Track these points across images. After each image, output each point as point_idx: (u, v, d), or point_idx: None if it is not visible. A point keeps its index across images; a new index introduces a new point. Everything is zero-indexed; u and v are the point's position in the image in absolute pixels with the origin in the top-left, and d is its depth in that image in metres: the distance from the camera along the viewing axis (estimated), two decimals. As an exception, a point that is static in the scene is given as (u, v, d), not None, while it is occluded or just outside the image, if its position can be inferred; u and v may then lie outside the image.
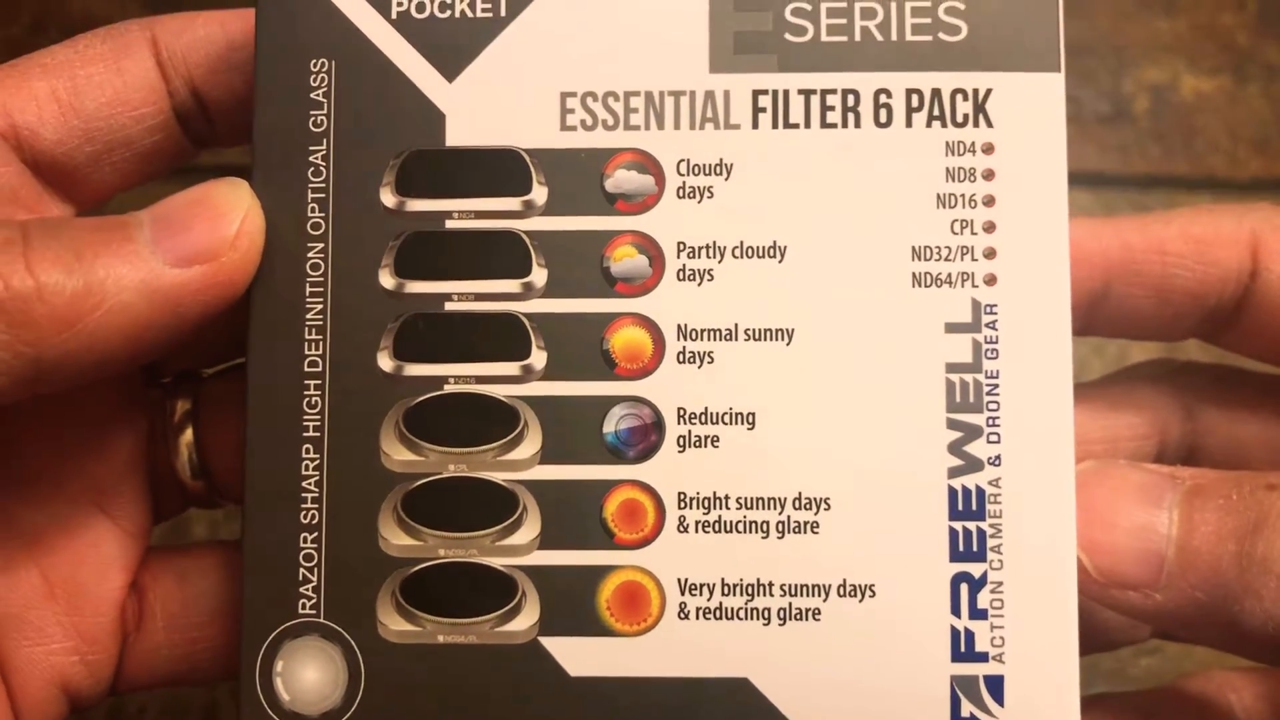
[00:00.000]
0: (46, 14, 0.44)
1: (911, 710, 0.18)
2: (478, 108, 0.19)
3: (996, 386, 0.18)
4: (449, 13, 0.19)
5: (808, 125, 0.18)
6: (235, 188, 0.18)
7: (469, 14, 0.19)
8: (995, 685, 0.18)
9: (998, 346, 0.18)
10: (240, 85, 0.20)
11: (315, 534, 0.18)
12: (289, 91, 0.19)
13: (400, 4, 0.19)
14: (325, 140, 0.19)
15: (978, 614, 0.18)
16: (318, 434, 0.18)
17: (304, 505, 0.18)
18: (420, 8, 0.19)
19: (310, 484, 0.18)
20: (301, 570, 0.18)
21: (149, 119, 0.20)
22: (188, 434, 0.21)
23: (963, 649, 0.18)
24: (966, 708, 0.18)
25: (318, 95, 0.19)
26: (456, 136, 0.19)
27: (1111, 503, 0.18)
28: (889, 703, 0.18)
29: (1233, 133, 0.46)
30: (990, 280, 0.18)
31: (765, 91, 0.19)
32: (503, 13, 0.19)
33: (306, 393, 0.18)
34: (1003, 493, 0.18)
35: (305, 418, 0.18)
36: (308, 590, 0.18)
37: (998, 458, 0.18)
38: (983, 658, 0.18)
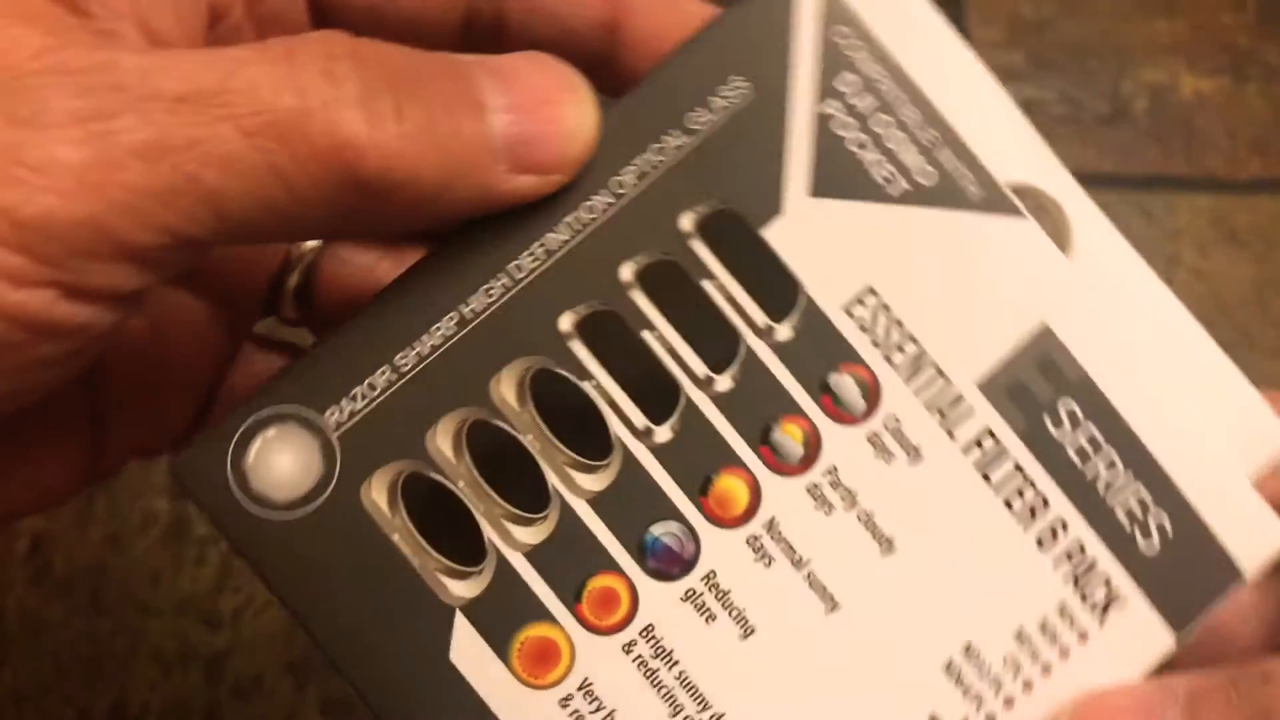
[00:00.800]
0: None
1: None
2: (808, 231, 0.19)
3: None
4: (857, 151, 0.19)
5: (996, 490, 0.20)
6: (588, 103, 0.18)
7: (870, 166, 0.19)
8: None
9: None
10: None
11: (395, 378, 0.19)
12: (701, 79, 0.19)
13: (834, 109, 0.19)
14: (690, 138, 0.19)
15: None
16: (469, 319, 0.19)
17: (407, 350, 0.19)
18: (845, 126, 0.19)
19: (427, 343, 0.19)
20: (357, 389, 0.19)
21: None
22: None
23: None
24: None
25: (719, 101, 0.19)
26: (772, 233, 0.19)
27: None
28: None
29: (1232, 133, 0.47)
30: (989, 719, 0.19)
31: (995, 438, 0.20)
32: (897, 193, 0.19)
33: (493, 283, 0.19)
34: None
35: (473, 297, 0.19)
36: (344, 407, 0.19)
37: None
38: None
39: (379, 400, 0.19)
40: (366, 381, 0.19)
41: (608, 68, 0.21)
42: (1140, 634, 0.20)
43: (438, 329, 0.19)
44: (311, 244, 0.23)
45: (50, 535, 0.36)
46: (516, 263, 0.19)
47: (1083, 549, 0.19)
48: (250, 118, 0.15)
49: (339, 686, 0.38)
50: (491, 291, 0.19)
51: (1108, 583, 0.19)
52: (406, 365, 0.19)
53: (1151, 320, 0.20)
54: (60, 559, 0.36)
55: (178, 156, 0.15)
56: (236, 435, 0.18)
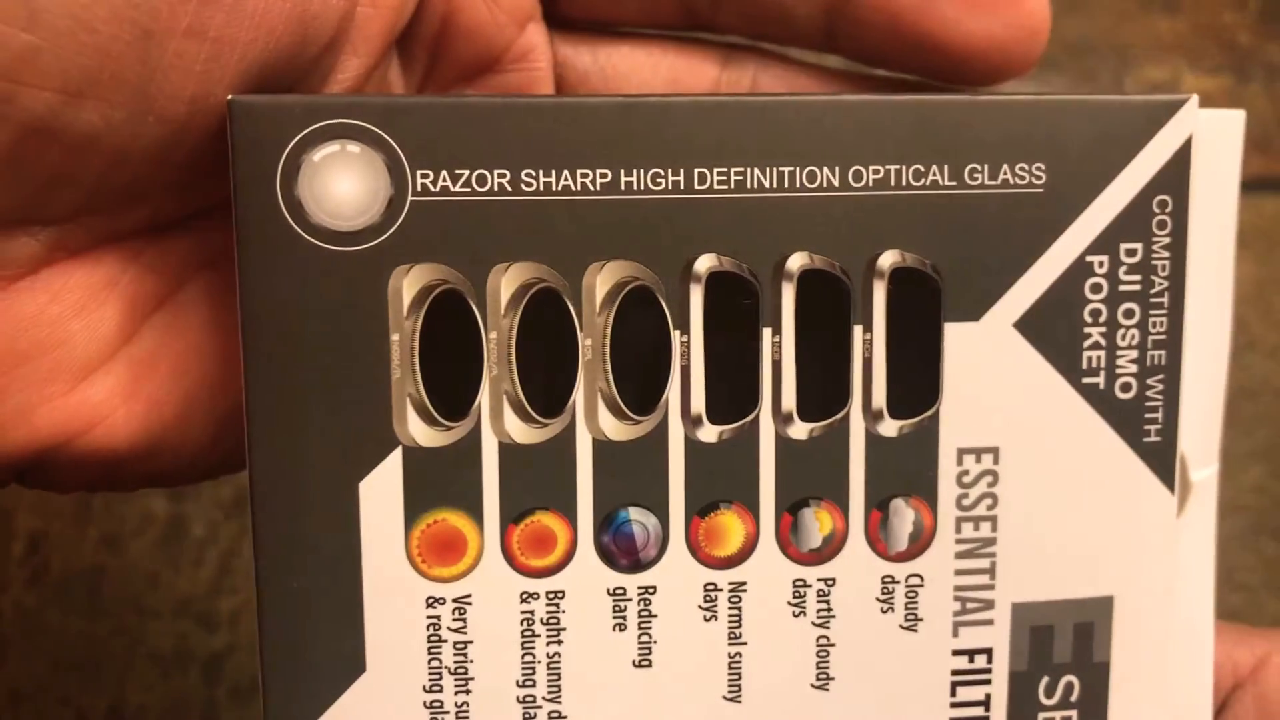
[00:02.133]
0: None
1: None
2: (982, 353, 0.18)
3: None
4: (1094, 329, 0.19)
5: (953, 709, 0.19)
6: None
7: (1086, 354, 0.19)
8: None
9: None
10: None
11: (511, 187, 0.17)
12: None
13: (1094, 293, 0.19)
14: (964, 186, 0.18)
15: None
16: (636, 188, 0.17)
17: (548, 171, 0.17)
18: (1095, 318, 0.19)
19: (579, 180, 0.17)
20: (464, 171, 0.17)
21: None
22: None
23: None
24: None
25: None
26: (953, 332, 0.18)
27: None
28: None
29: None
30: None
31: (989, 665, 0.19)
32: (1088, 385, 0.19)
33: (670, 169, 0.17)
34: None
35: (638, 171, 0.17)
36: (439, 177, 0.17)
37: None
38: None
39: (480, 197, 0.17)
40: (479, 169, 0.17)
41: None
42: None
43: (595, 170, 0.17)
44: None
45: (48, 536, 0.35)
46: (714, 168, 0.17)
47: None
48: None
49: None
50: (660, 181, 0.17)
51: None
52: (532, 185, 0.17)
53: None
54: (58, 560, 0.35)
55: None
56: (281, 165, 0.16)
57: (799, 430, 0.18)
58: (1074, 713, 0.19)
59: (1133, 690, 0.19)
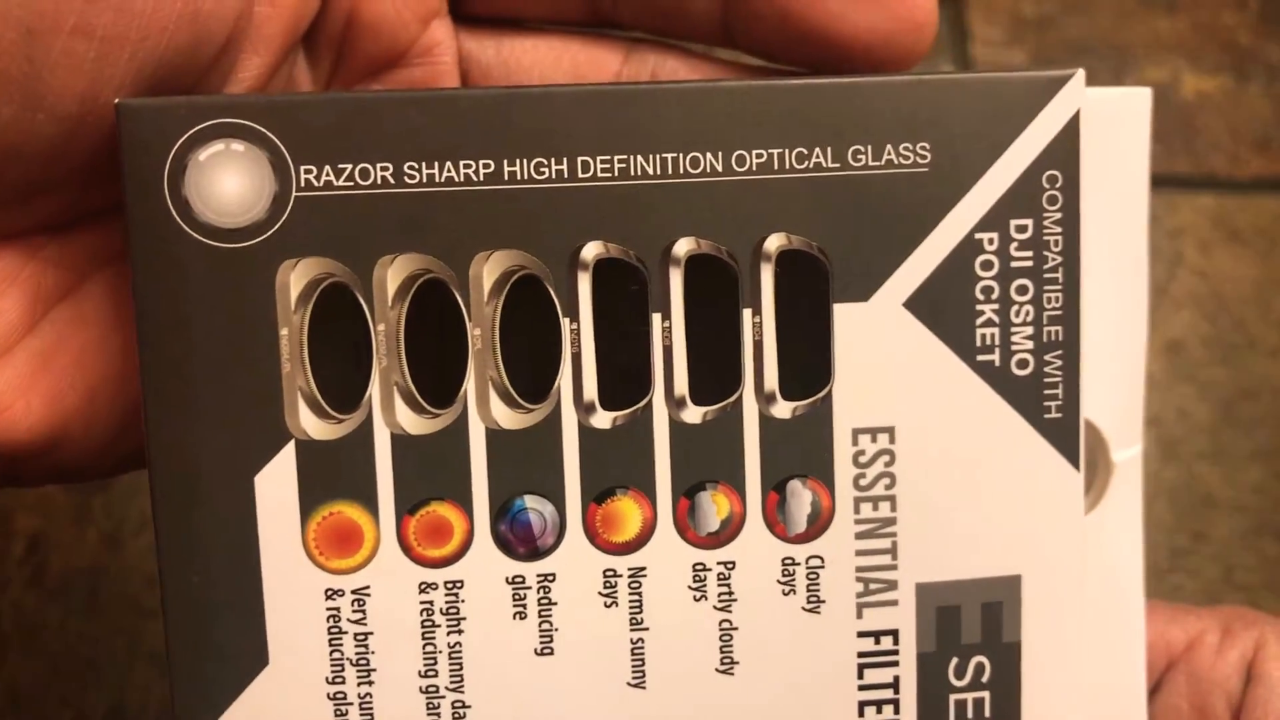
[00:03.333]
0: None
1: None
2: (872, 333, 0.18)
3: None
4: (987, 305, 0.18)
5: (858, 690, 0.19)
6: None
7: (980, 331, 0.18)
8: None
9: None
10: None
11: (390, 181, 0.17)
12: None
13: (984, 269, 0.18)
14: (849, 168, 0.18)
15: None
16: (518, 176, 0.17)
17: (420, 165, 0.17)
18: (987, 295, 0.19)
19: (456, 171, 0.17)
20: (347, 164, 0.17)
21: None
22: None
23: None
24: None
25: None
26: (842, 313, 0.18)
27: None
28: None
29: (1234, 132, 0.47)
30: None
31: (895, 647, 0.19)
32: (982, 362, 0.19)
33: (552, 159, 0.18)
34: None
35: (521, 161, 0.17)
36: (323, 172, 0.17)
37: None
38: None
39: (363, 191, 0.17)
40: (362, 163, 0.17)
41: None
42: None
43: (478, 161, 0.17)
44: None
45: (47, 536, 0.36)
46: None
47: None
48: None
49: None
50: (543, 170, 0.17)
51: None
52: (415, 178, 0.17)
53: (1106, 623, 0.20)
54: (57, 560, 0.36)
55: None
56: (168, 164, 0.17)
57: (693, 414, 0.18)
58: (986, 694, 0.19)
59: (1046, 670, 0.19)
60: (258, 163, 0.17)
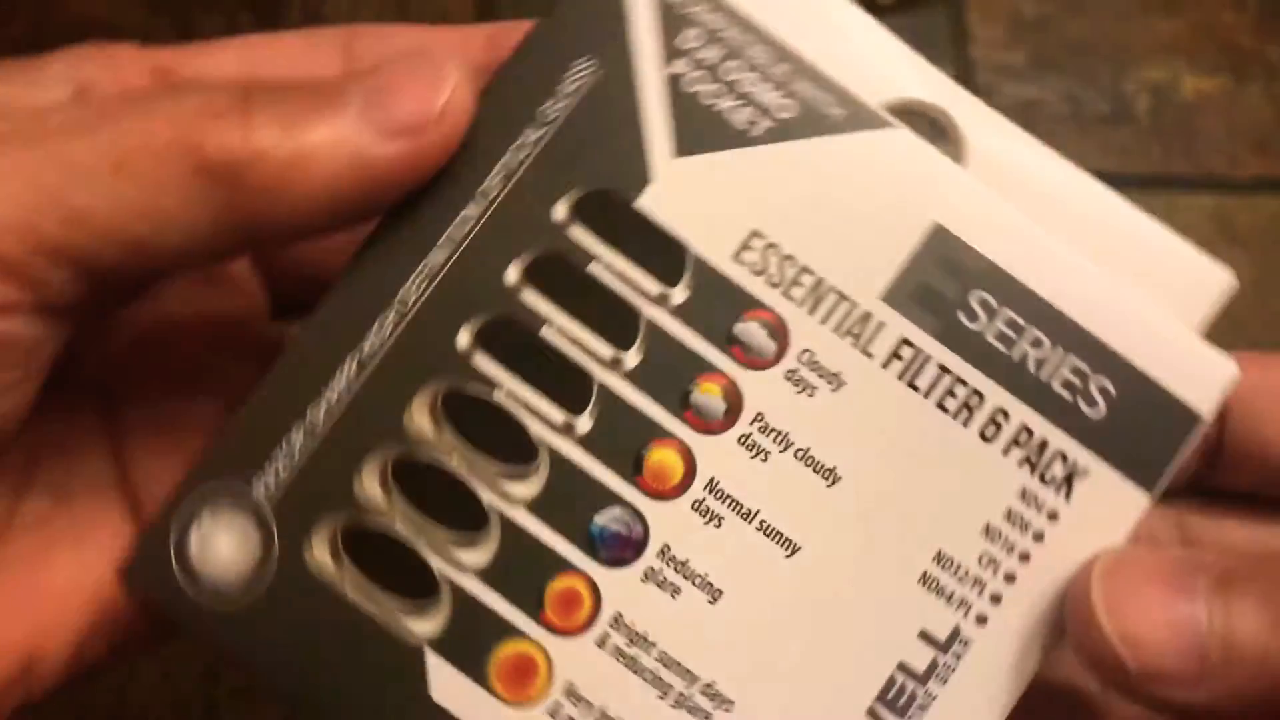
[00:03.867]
0: (45, 15, 0.45)
1: None
2: (682, 192, 0.19)
3: (929, 704, 0.19)
4: (714, 100, 0.19)
5: (926, 395, 0.19)
6: (444, 64, 0.18)
7: (728, 113, 0.19)
8: None
9: (952, 675, 0.19)
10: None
11: (307, 434, 0.19)
12: (547, 71, 0.19)
13: (683, 68, 0.19)
14: (547, 128, 0.19)
15: None
16: (368, 359, 0.19)
17: (317, 404, 0.19)
18: (696, 78, 0.19)
19: (334, 392, 0.19)
20: (275, 453, 0.19)
21: None
22: None
23: None
24: None
25: (568, 87, 0.19)
26: (649, 204, 0.19)
27: (1141, 593, 0.17)
28: None
29: (1233, 132, 0.47)
30: (981, 620, 0.19)
31: (912, 345, 0.19)
32: (761, 133, 0.19)
33: (383, 318, 0.19)
34: None
35: (368, 339, 0.19)
36: (268, 473, 0.19)
37: None
38: None
39: (300, 461, 0.19)
40: (283, 445, 0.19)
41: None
42: (1110, 499, 0.19)
43: (340, 376, 0.19)
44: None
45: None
46: (402, 293, 0.19)
47: (1029, 431, 0.19)
48: (105, 144, 0.17)
49: None
50: (384, 327, 0.19)
51: (1063, 457, 0.19)
52: (319, 421, 0.19)
53: (1059, 198, 0.20)
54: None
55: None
56: (172, 530, 0.19)
57: (632, 359, 0.19)
58: (1007, 309, 0.19)
59: (1032, 259, 0.20)
60: (232, 514, 0.19)
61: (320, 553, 0.19)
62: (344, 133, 0.17)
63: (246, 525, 0.19)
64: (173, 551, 0.19)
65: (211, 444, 0.19)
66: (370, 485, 0.19)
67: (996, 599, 0.19)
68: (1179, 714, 0.18)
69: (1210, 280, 0.20)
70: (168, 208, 0.17)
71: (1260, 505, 0.21)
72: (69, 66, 0.19)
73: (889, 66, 0.20)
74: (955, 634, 0.19)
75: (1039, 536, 0.19)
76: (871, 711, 0.19)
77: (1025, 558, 0.19)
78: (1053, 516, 0.19)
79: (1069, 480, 0.19)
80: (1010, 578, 0.19)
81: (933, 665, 0.19)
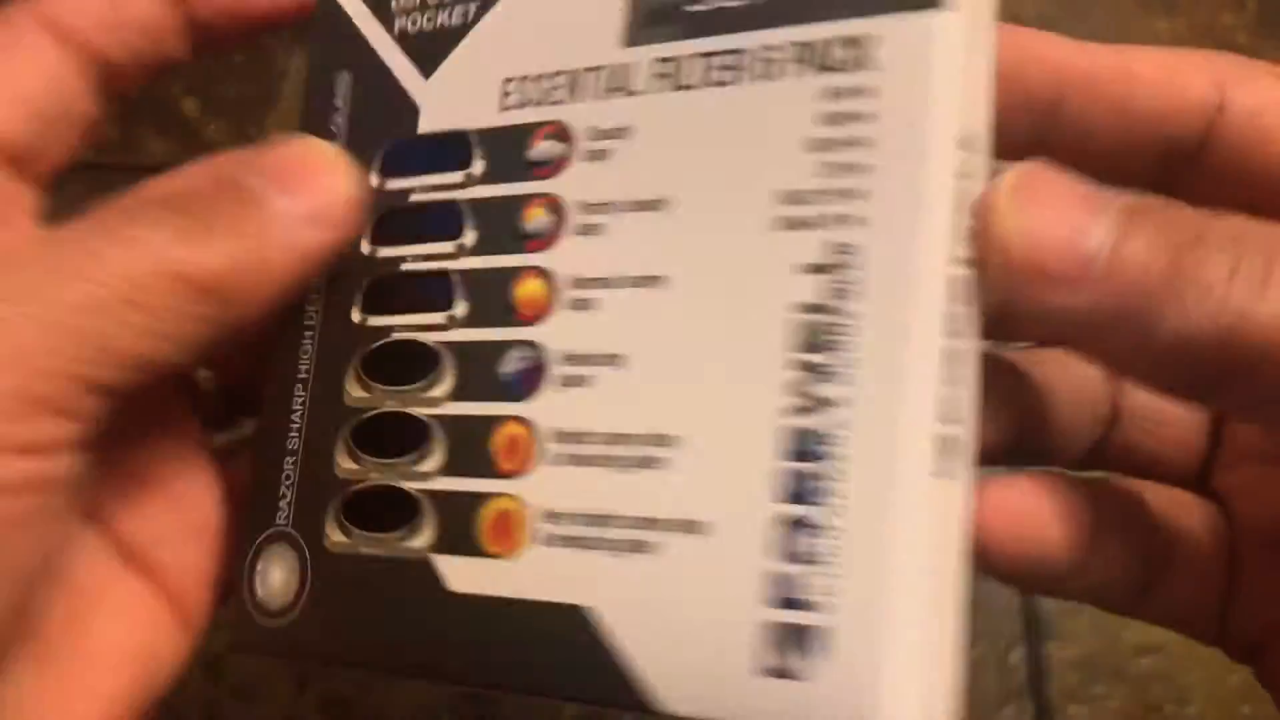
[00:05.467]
0: None
1: (727, 653, 0.17)
2: (442, 100, 0.22)
3: (853, 327, 0.17)
4: (432, 23, 0.22)
5: (700, 88, 0.19)
6: (333, 149, 0.21)
7: (445, 22, 0.22)
8: (815, 637, 0.17)
9: (859, 288, 0.17)
10: (138, 41, 0.22)
11: (293, 458, 0.22)
12: (323, 101, 0.23)
13: (401, 20, 0.22)
14: (341, 136, 0.23)
15: (804, 559, 0.17)
16: (305, 376, 0.22)
17: (290, 434, 0.22)
18: (414, 21, 0.22)
19: (295, 417, 0.22)
20: (282, 488, 0.22)
21: (79, 94, 0.22)
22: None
23: (782, 595, 0.17)
24: (775, 656, 0.17)
25: (339, 100, 0.23)
26: (426, 125, 0.22)
27: (1050, 200, 0.18)
28: (707, 646, 0.18)
29: None
30: (861, 221, 0.18)
31: (668, 59, 0.20)
32: (470, 18, 0.22)
33: (304, 342, 0.22)
34: (852, 433, 0.17)
35: (300, 363, 0.22)
36: (284, 505, 0.22)
37: (848, 399, 0.17)
38: (804, 605, 0.17)
39: (295, 478, 0.22)
40: (282, 475, 0.22)
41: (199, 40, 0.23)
42: (914, 42, 0.18)
43: (296, 401, 0.22)
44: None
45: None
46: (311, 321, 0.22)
47: (801, 45, 0.19)
48: (113, 280, 0.18)
49: (338, 687, 0.39)
50: (308, 352, 0.22)
51: (843, 41, 0.18)
52: (294, 442, 0.22)
53: None
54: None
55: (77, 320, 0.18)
56: (244, 592, 0.22)
57: (470, 237, 0.21)
58: None
59: None
60: (286, 557, 0.22)
61: (335, 535, 0.21)
62: (281, 227, 0.20)
63: (284, 550, 0.21)
64: (251, 609, 0.22)
65: (246, 508, 0.22)
66: (344, 460, 0.21)
67: (859, 194, 0.18)
68: (1033, 326, 0.19)
69: None
70: (169, 327, 0.19)
71: None
72: None
73: None
74: (837, 247, 0.18)
75: (870, 117, 0.18)
76: (791, 362, 0.18)
77: (866, 143, 0.18)
78: (872, 93, 0.18)
79: (865, 54, 0.18)
80: (863, 168, 0.18)
81: (832, 288, 0.18)
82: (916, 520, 0.17)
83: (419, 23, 0.22)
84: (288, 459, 0.22)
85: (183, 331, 0.19)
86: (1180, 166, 0.21)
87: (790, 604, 0.17)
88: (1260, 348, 0.17)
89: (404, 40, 0.22)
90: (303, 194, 0.20)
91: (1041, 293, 0.17)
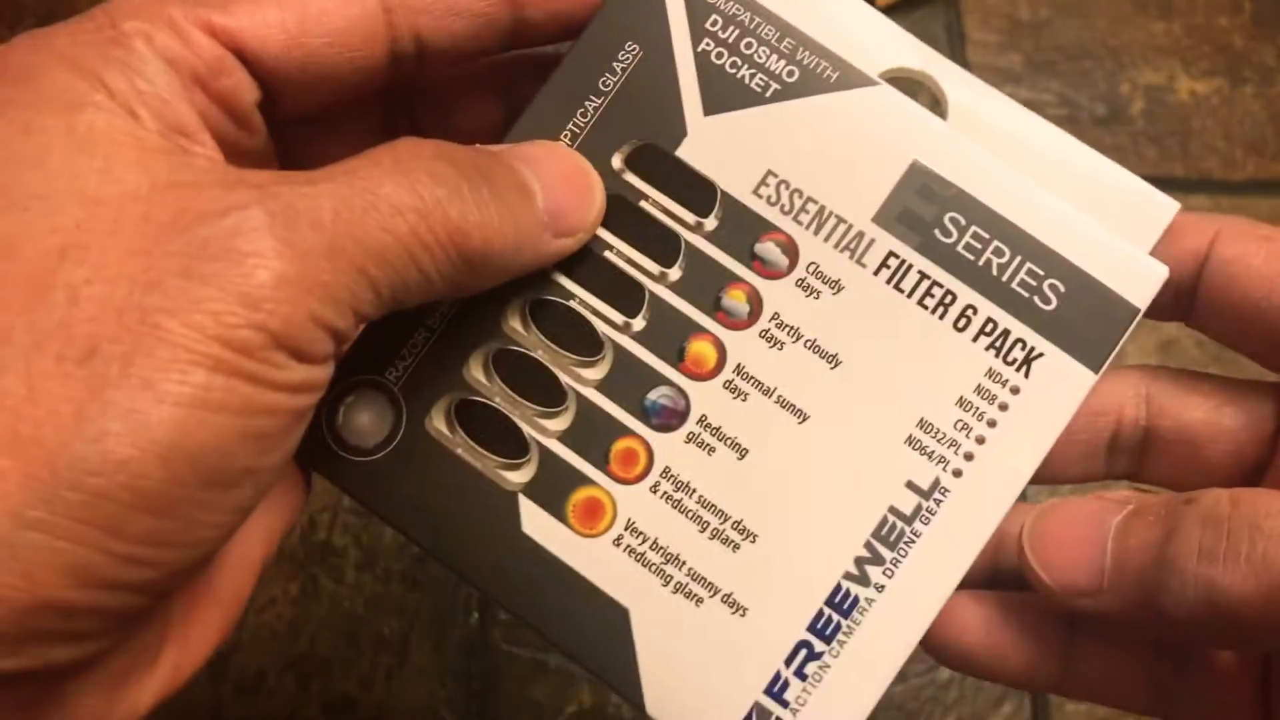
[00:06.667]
0: (51, 15, 0.45)
1: (717, 707, 0.24)
2: (711, 142, 0.25)
3: (915, 540, 0.24)
4: (735, 70, 0.25)
5: (909, 296, 0.24)
6: (596, 178, 0.24)
7: (746, 78, 0.25)
8: None
9: (933, 519, 0.24)
10: (460, 28, 0.23)
11: (429, 334, 0.24)
12: (602, 54, 0.25)
13: (708, 45, 0.25)
14: (604, 97, 0.25)
15: (801, 675, 0.24)
16: None
17: (437, 312, 0.25)
18: (719, 55, 0.25)
19: (447, 304, 0.25)
20: (405, 349, 0.24)
21: (361, 60, 0.22)
22: None
23: (775, 689, 0.24)
24: None
25: (618, 66, 0.25)
26: (685, 153, 0.25)
27: (1066, 528, 0.23)
28: (704, 694, 0.24)
29: (1228, 134, 0.48)
30: (957, 474, 0.24)
31: (898, 256, 0.24)
32: (772, 94, 0.25)
33: None
34: (871, 612, 0.24)
35: None
36: (399, 366, 0.24)
37: (883, 586, 0.24)
38: (784, 704, 0.24)
39: (422, 354, 0.24)
40: (410, 342, 0.25)
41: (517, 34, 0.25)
42: (1063, 377, 0.24)
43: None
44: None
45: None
46: None
47: (994, 323, 0.24)
48: (391, 218, 0.19)
49: (341, 685, 0.40)
50: None
51: (1022, 343, 0.24)
52: (435, 322, 0.25)
53: (1027, 141, 0.25)
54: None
55: (348, 255, 0.19)
56: (323, 414, 0.24)
57: (674, 274, 0.25)
58: (974, 226, 0.24)
59: (996, 187, 0.25)
60: (382, 410, 0.25)
61: (438, 422, 0.24)
62: (539, 228, 0.22)
63: (381, 402, 0.24)
64: (324, 425, 0.24)
65: (351, 349, 0.24)
66: (476, 370, 0.24)
67: (969, 457, 0.24)
68: (1089, 620, 0.23)
69: (1159, 206, 0.25)
70: (426, 270, 0.20)
71: (1223, 382, 0.26)
72: (147, 42, 0.20)
73: (881, 39, 0.25)
74: (935, 484, 0.24)
75: (1004, 407, 0.24)
76: (868, 544, 0.24)
77: (993, 424, 0.24)
78: (1015, 390, 0.24)
79: (1028, 361, 0.24)
80: (981, 439, 0.24)
81: (917, 509, 0.24)
82: (885, 675, 0.24)
83: (724, 59, 0.25)
84: (421, 330, 0.24)
85: (430, 287, 0.20)
86: (1186, 302, 0.25)
87: (779, 700, 0.24)
88: (1234, 612, 0.20)
89: (702, 63, 0.25)
90: (565, 208, 0.23)
91: (1077, 604, 0.23)
